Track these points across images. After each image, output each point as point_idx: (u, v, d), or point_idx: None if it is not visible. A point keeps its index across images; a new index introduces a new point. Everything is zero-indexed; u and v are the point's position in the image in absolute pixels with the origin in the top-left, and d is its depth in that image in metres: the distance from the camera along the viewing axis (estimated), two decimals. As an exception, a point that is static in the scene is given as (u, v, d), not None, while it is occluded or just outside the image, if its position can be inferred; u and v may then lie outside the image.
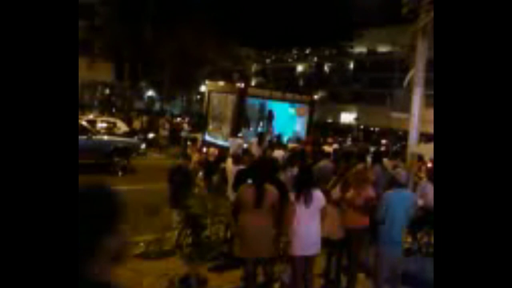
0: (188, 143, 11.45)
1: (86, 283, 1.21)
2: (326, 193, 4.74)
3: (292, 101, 13.17)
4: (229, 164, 6.38)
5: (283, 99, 12.82)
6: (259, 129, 12.78)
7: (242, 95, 11.43)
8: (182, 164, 6.40)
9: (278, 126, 13.16)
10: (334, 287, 5.15)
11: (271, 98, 12.80)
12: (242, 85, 11.91)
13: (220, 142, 11.51)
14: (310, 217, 4.32)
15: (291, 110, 13.56)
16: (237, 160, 6.20)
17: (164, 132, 18.96)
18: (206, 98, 13.38)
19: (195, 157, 7.79)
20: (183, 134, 17.86)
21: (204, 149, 8.56)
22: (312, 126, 13.44)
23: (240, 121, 11.52)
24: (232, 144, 9.49)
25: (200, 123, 14.54)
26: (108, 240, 1.26)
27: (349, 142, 15.57)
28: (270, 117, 13.20)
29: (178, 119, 25.63)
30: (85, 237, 1.24)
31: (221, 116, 12.45)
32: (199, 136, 12.86)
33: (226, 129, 11.80)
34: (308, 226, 4.30)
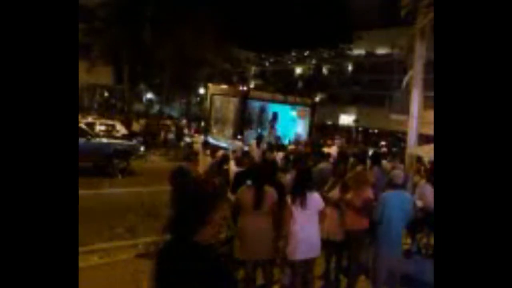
0: (196, 145, 11.41)
1: (200, 246, 1.70)
2: (324, 196, 4.72)
3: (294, 104, 13.26)
4: (231, 166, 6.41)
5: (284, 102, 12.91)
6: (259, 131, 12.85)
7: (244, 97, 11.52)
8: (183, 165, 6.39)
9: (280, 128, 13.21)
10: (334, 288, 5.14)
11: (273, 100, 12.88)
12: (245, 88, 12.06)
13: (223, 144, 11.56)
14: (308, 220, 4.28)
15: (293, 113, 13.61)
16: (239, 162, 6.22)
17: (170, 135, 19.00)
18: (208, 101, 13.47)
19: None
20: (187, 137, 17.87)
21: (208, 151, 8.54)
22: (313, 128, 13.52)
23: (242, 123, 11.60)
24: (232, 146, 9.51)
25: (203, 126, 14.59)
26: (213, 214, 1.73)
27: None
28: (274, 119, 13.24)
29: (178, 121, 25.65)
30: (199, 213, 1.70)
31: (224, 119, 12.55)
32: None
33: (229, 131, 11.88)
34: (306, 228, 4.26)
